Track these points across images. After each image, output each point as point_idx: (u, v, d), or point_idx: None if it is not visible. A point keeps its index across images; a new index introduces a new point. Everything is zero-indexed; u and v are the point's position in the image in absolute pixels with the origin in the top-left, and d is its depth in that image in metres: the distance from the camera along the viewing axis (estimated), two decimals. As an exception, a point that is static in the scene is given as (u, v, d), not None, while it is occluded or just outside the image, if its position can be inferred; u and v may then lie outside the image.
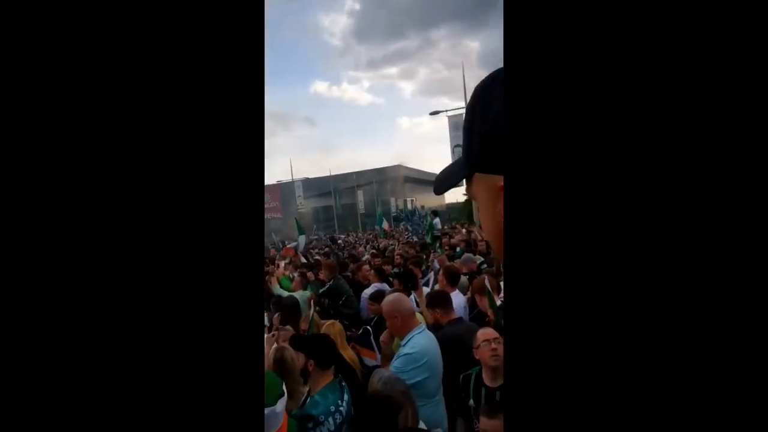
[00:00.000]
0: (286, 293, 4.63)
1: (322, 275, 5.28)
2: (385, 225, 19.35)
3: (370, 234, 23.82)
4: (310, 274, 5.61)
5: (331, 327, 2.98)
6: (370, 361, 2.98)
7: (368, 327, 3.27)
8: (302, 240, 11.29)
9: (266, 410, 1.39)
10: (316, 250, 13.72)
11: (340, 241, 19.18)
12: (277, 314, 3.74)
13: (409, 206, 42.20)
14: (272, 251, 14.48)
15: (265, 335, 3.39)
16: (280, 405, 1.46)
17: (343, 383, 2.28)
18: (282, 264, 7.72)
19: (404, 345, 2.45)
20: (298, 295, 4.50)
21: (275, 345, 2.57)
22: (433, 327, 3.03)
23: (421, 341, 2.41)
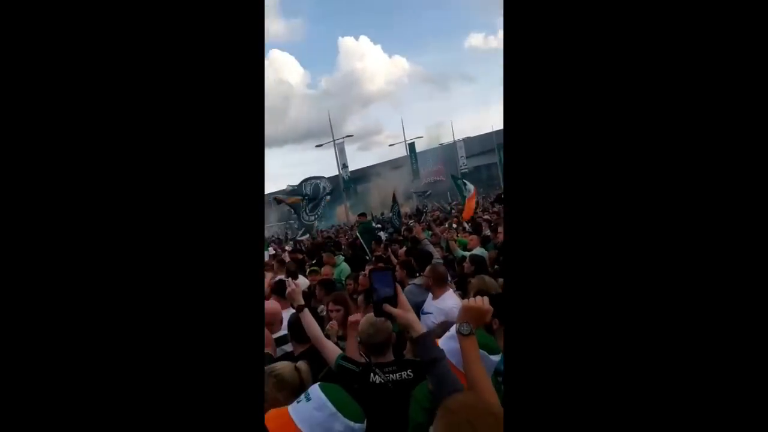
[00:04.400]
0: (467, 254, 4.75)
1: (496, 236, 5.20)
2: None
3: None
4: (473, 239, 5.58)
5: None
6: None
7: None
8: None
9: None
10: (480, 210, 13.58)
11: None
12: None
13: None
14: (435, 213, 14.90)
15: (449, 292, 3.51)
16: None
17: None
18: (453, 226, 7.86)
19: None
20: (479, 252, 4.57)
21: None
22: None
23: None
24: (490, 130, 36.21)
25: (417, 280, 3.67)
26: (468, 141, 36.05)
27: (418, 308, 3.37)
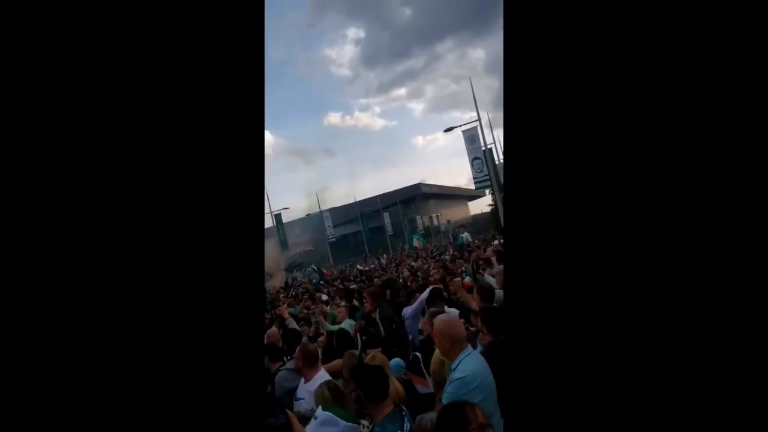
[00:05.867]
0: (336, 327, 4.86)
1: (365, 305, 5.47)
2: (417, 243, 19.26)
3: (401, 254, 23.81)
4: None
5: (373, 359, 3.06)
6: (422, 389, 3.03)
7: (417, 354, 3.42)
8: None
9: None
10: (348, 280, 13.92)
11: (367, 269, 18.98)
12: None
13: (435, 222, 42.20)
14: (306, 285, 14.76)
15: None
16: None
17: (404, 412, 2.32)
18: (324, 297, 7.95)
19: (454, 369, 2.46)
20: (347, 325, 4.73)
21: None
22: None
23: (471, 363, 2.43)
24: (353, 201, 38.27)
25: (289, 364, 3.62)
26: (333, 211, 37.25)
27: (292, 395, 3.30)
